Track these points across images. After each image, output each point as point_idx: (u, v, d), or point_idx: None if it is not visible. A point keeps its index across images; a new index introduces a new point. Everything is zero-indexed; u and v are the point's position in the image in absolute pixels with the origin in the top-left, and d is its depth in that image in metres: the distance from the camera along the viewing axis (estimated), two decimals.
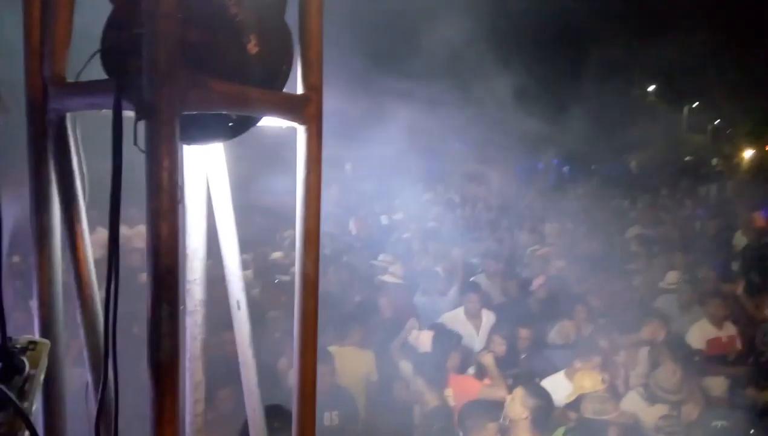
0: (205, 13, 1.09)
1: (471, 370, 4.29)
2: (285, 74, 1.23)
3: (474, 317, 5.09)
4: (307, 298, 1.25)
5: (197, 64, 1.05)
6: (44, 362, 1.00)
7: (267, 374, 3.09)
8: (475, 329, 5.04)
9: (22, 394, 0.95)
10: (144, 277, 1.00)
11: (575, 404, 3.54)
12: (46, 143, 1.15)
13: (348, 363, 3.88)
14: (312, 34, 1.24)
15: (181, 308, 1.11)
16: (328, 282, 5.27)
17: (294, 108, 1.24)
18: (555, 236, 7.50)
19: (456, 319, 5.03)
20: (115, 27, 1.18)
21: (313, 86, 1.25)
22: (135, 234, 6.98)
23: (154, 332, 0.98)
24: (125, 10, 1.16)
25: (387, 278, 5.35)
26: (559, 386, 3.71)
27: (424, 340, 4.26)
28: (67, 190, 1.14)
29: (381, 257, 5.90)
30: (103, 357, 1.02)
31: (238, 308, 1.39)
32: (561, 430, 3.34)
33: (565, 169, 16.78)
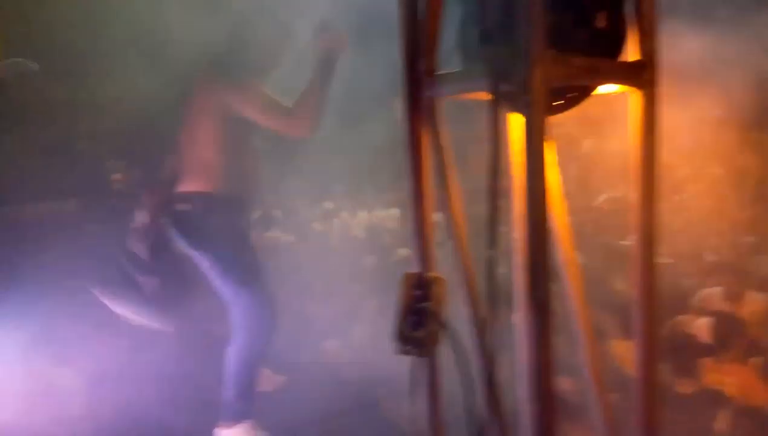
0: None
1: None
2: (624, 43, 1.32)
3: (734, 298, 4.61)
4: (647, 269, 1.34)
5: (556, 43, 1.21)
6: (445, 292, 1.27)
7: None
8: (734, 310, 4.56)
9: (435, 315, 1.22)
10: None
11: None
12: (421, 123, 1.43)
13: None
14: (648, 3, 1.32)
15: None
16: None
17: (632, 74, 1.33)
18: None
19: (711, 299, 4.61)
20: (469, 24, 1.41)
21: (649, 52, 1.33)
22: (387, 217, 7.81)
23: (532, 274, 1.17)
24: (479, 9, 1.38)
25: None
26: None
27: (701, 326, 3.95)
28: (439, 159, 1.41)
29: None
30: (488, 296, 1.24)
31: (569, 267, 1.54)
32: None
33: None
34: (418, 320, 1.27)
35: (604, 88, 1.38)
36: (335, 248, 6.77)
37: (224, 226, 2.30)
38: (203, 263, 2.36)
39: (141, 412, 2.80)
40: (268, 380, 2.93)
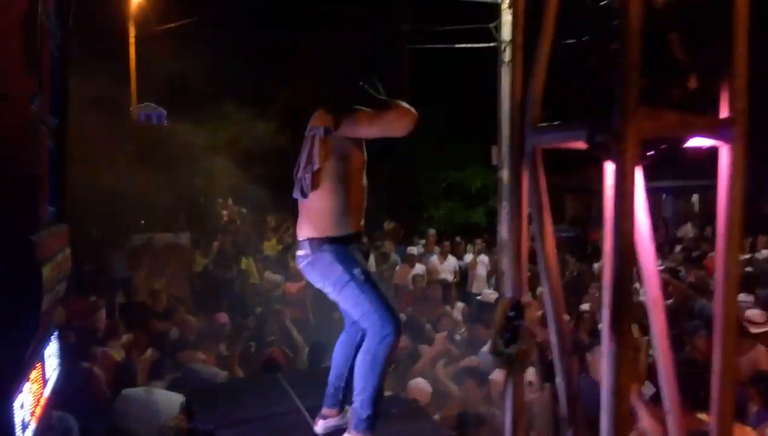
0: (655, 60, 1.40)
1: None
2: (714, 101, 1.46)
3: None
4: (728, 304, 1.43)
5: (650, 100, 1.36)
6: (533, 316, 1.42)
7: None
8: None
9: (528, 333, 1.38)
10: None
11: None
12: (523, 168, 1.61)
13: None
14: (740, 62, 1.45)
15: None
16: None
17: (722, 130, 1.45)
18: None
19: None
20: (570, 80, 1.60)
21: (740, 110, 1.45)
22: None
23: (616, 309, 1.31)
24: (579, 67, 1.57)
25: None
26: None
27: None
28: (537, 201, 1.58)
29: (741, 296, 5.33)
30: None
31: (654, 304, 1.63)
32: None
33: None
34: (511, 337, 1.42)
35: (695, 142, 1.50)
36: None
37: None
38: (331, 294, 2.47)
39: None
40: None
